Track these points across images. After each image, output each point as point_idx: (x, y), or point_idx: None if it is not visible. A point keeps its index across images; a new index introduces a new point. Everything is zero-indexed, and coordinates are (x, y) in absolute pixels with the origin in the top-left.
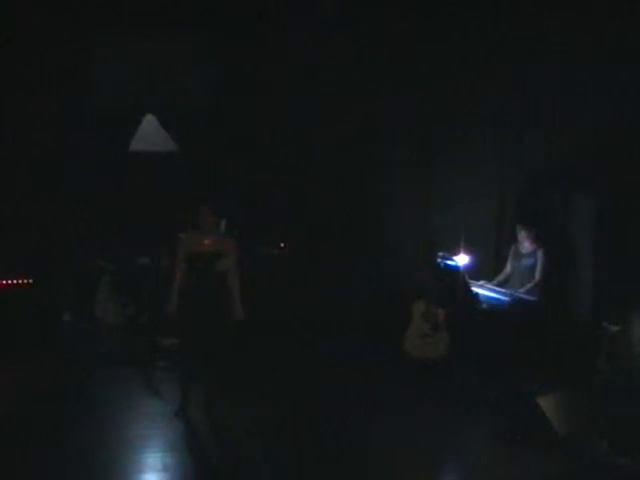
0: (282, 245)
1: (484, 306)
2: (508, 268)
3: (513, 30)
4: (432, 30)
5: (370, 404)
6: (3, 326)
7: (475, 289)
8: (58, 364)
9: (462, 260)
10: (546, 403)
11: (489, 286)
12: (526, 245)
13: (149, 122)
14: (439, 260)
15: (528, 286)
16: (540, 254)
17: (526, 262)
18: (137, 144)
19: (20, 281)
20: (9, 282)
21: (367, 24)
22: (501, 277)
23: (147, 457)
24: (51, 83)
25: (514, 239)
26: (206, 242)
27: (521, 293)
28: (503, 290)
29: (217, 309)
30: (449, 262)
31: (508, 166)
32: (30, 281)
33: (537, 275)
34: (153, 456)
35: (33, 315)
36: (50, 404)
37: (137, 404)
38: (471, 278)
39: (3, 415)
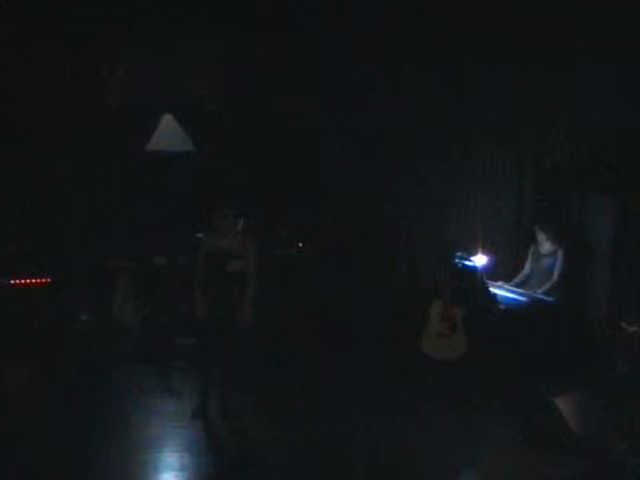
0: (300, 245)
1: (502, 307)
2: (527, 269)
3: (528, 30)
4: (448, 30)
5: (387, 404)
6: (21, 325)
7: (493, 289)
8: (75, 363)
9: (480, 260)
10: (564, 403)
11: (507, 287)
12: (546, 246)
13: (167, 122)
14: (457, 260)
15: (547, 286)
16: (560, 255)
17: (546, 263)
18: (155, 144)
19: (38, 280)
20: (27, 281)
21: (388, 28)
22: (520, 278)
23: (165, 457)
24: (69, 82)
25: (533, 240)
26: (222, 243)
27: (539, 294)
28: (521, 290)
29: (229, 310)
30: (467, 262)
31: (526, 166)
32: (48, 280)
33: (555, 275)
34: (171, 456)
35: (50, 314)
36: (67, 403)
37: (154, 404)
38: (489, 279)
39: (20, 414)
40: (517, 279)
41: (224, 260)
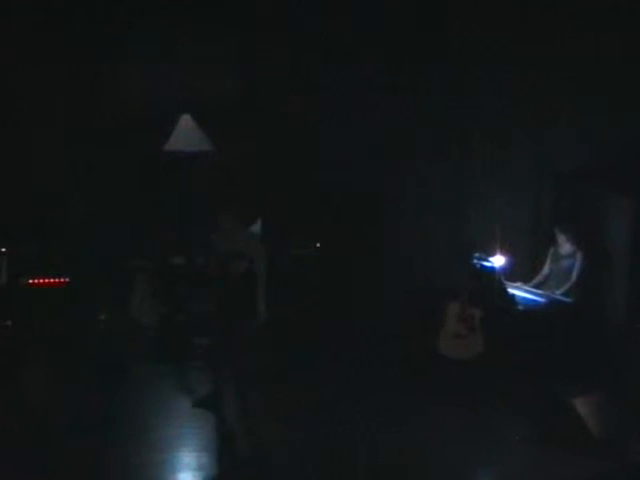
0: (317, 245)
1: (520, 307)
2: (546, 269)
3: (547, 30)
4: (465, 30)
5: (403, 404)
6: (39, 325)
7: (511, 290)
8: (93, 363)
9: (498, 261)
10: (581, 404)
11: (525, 287)
12: (566, 247)
13: (186, 122)
14: (475, 261)
15: (565, 287)
16: (579, 256)
17: (565, 264)
18: (174, 144)
19: (56, 280)
20: (45, 281)
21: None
22: (539, 278)
23: (181, 456)
24: (88, 83)
25: (552, 241)
26: (228, 244)
27: (558, 294)
28: (539, 291)
29: (235, 310)
30: (485, 263)
31: (545, 166)
32: (66, 280)
33: (574, 276)
34: (188, 455)
35: (69, 314)
36: (85, 403)
37: (172, 403)
38: (507, 279)
39: (38, 413)
40: (536, 280)
41: (222, 260)
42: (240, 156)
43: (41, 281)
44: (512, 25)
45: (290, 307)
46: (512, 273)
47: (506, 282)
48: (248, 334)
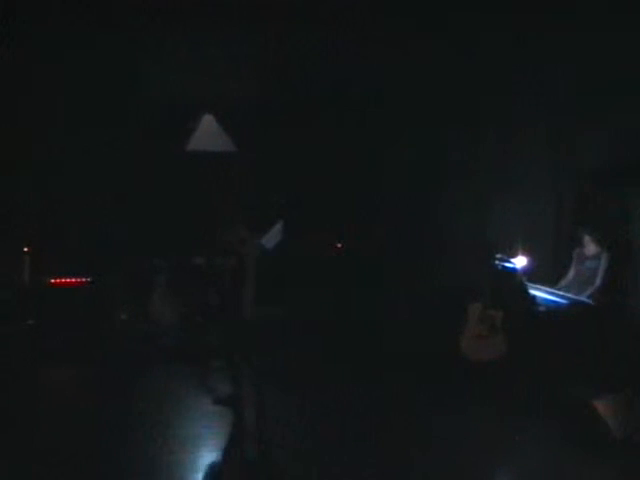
0: (339, 246)
1: (541, 308)
2: (572, 272)
3: (571, 30)
4: (493, 29)
5: (426, 404)
6: (60, 325)
7: (532, 291)
8: (114, 362)
9: (520, 262)
10: (603, 406)
11: (547, 288)
12: (591, 248)
13: (208, 122)
14: (496, 262)
15: (590, 290)
16: (604, 257)
17: (589, 265)
18: (196, 144)
19: (78, 280)
20: (67, 281)
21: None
22: (565, 282)
23: (201, 456)
24: (110, 83)
25: (575, 242)
26: (226, 243)
27: (583, 298)
28: (561, 292)
29: (222, 308)
30: (506, 264)
31: (568, 167)
32: (88, 280)
33: (598, 280)
34: (209, 455)
35: (90, 314)
36: (105, 402)
37: (192, 403)
38: (529, 280)
39: (59, 412)
40: (563, 282)
41: (212, 259)
42: (265, 155)
43: (63, 281)
44: (534, 23)
45: (311, 306)
46: (534, 274)
47: (527, 283)
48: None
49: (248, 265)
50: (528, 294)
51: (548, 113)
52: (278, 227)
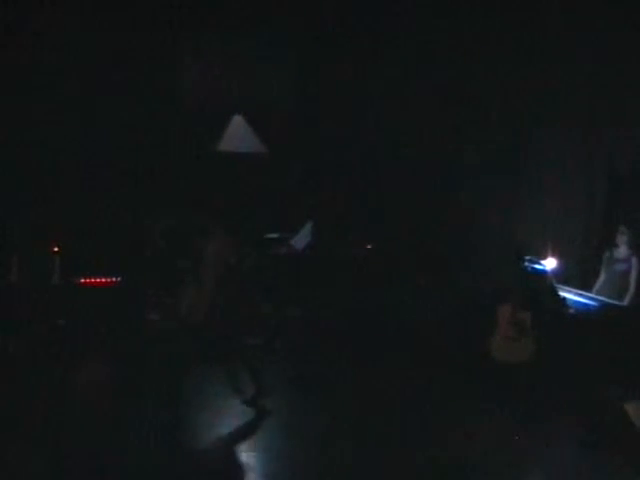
0: (369, 247)
1: (571, 310)
2: (602, 276)
3: (602, 30)
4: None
5: (454, 406)
6: (90, 324)
7: (563, 293)
8: (143, 362)
9: (550, 264)
10: (633, 408)
11: (577, 290)
12: (622, 251)
13: (237, 123)
14: (527, 264)
15: (626, 298)
16: (635, 261)
17: (619, 268)
18: (226, 144)
19: (107, 280)
20: (97, 280)
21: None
22: (597, 285)
23: (233, 457)
24: (140, 84)
25: (607, 244)
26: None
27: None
28: (591, 294)
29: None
30: (536, 266)
31: (599, 168)
32: (117, 280)
33: (632, 286)
34: (239, 456)
35: (119, 313)
36: (135, 402)
37: (221, 403)
38: (559, 282)
39: (89, 412)
40: (596, 286)
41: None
42: (294, 156)
43: (93, 281)
44: (569, 23)
45: (342, 307)
46: (564, 276)
47: (558, 285)
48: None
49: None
50: (558, 296)
51: (581, 113)
52: (308, 228)
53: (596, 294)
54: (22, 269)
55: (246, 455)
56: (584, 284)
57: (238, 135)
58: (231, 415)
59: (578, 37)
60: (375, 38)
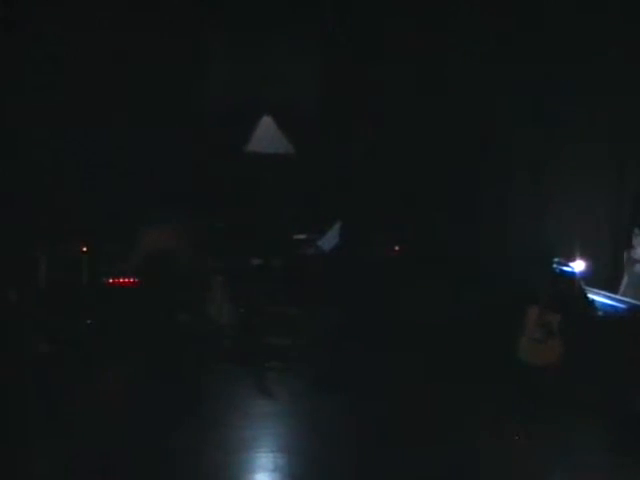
0: (397, 248)
1: (600, 313)
2: (625, 277)
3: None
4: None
5: (480, 409)
6: (119, 324)
7: (591, 295)
8: (170, 362)
9: (578, 266)
10: None
11: (605, 293)
12: (639, 251)
13: (266, 124)
14: (555, 265)
15: None
16: None
17: (638, 268)
18: (254, 145)
19: (135, 280)
20: (126, 280)
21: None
22: (622, 287)
23: (258, 457)
24: (168, 84)
25: (626, 245)
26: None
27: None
28: (619, 297)
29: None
30: (565, 268)
31: (627, 169)
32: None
33: None
34: (264, 456)
35: (147, 314)
36: (162, 403)
37: (249, 404)
38: (587, 284)
39: (115, 412)
40: (621, 288)
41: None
42: (323, 157)
43: (122, 281)
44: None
45: (370, 307)
46: (592, 278)
47: (586, 287)
48: None
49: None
50: (586, 298)
51: (610, 115)
52: (335, 229)
53: (622, 296)
54: (51, 269)
55: (273, 456)
56: (612, 286)
57: (267, 136)
58: (258, 415)
59: (602, 46)
60: (402, 38)
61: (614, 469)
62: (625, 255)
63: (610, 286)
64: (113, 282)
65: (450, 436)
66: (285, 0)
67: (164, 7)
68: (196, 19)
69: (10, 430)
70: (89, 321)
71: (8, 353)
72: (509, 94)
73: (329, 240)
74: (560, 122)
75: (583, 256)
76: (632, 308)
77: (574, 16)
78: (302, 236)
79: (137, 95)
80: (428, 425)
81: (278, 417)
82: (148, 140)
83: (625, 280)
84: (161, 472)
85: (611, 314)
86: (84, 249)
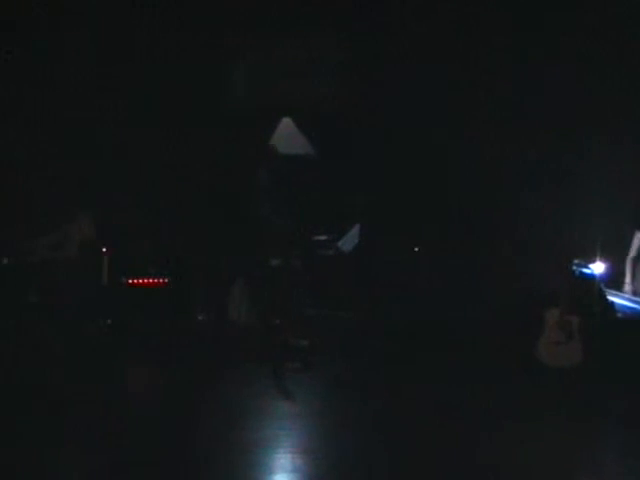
0: (416, 250)
1: (620, 315)
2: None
3: None
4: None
5: (500, 412)
6: (138, 325)
7: (611, 297)
8: (190, 363)
9: (598, 268)
10: None
11: (625, 295)
12: None
13: (286, 125)
14: (575, 268)
15: None
16: None
17: None
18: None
19: (156, 280)
20: (146, 281)
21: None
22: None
23: (278, 458)
24: (188, 85)
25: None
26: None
27: None
28: (638, 299)
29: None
30: (584, 270)
31: None
32: (165, 280)
33: None
34: (284, 457)
35: (167, 314)
36: (182, 403)
37: (268, 404)
38: (607, 286)
39: (135, 412)
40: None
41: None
42: (343, 159)
43: (141, 281)
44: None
45: (385, 309)
46: (612, 280)
47: (606, 289)
48: None
49: None
50: (606, 300)
51: (631, 118)
52: (355, 230)
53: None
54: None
55: (291, 456)
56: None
57: (287, 137)
58: (276, 415)
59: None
60: (425, 38)
61: (634, 472)
62: (631, 256)
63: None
64: (134, 282)
65: (473, 437)
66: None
67: (186, 7)
68: (217, 19)
69: (27, 428)
70: (109, 321)
71: (29, 353)
72: (533, 96)
73: (349, 241)
74: (581, 125)
75: (602, 258)
76: None
77: None
78: (322, 237)
79: (156, 96)
80: (450, 427)
81: (297, 417)
82: (167, 140)
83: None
84: (179, 472)
85: (631, 315)
86: (104, 249)
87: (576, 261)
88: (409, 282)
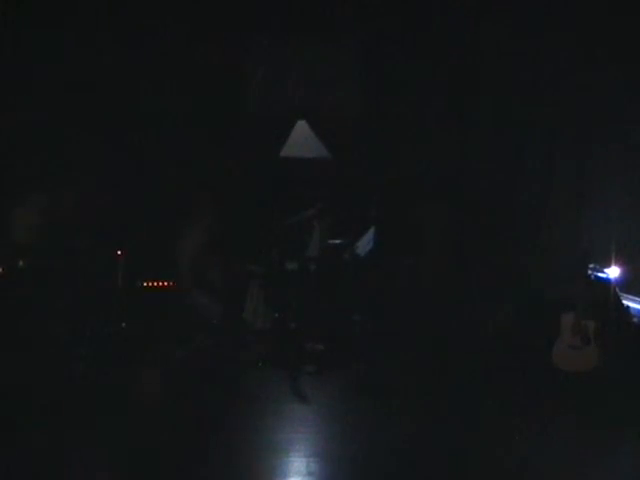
0: (430, 253)
1: (635, 319)
2: None
3: None
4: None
5: (515, 417)
6: (149, 327)
7: (626, 302)
8: (205, 366)
9: (613, 272)
10: None
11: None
12: None
13: (301, 128)
14: (590, 272)
15: None
16: None
17: None
18: (289, 150)
19: (167, 283)
20: (160, 284)
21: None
22: None
23: (292, 462)
24: (204, 88)
25: None
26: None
27: None
28: None
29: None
30: (600, 274)
31: None
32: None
33: None
34: (298, 461)
35: (180, 317)
36: (194, 406)
37: (283, 408)
38: (623, 291)
39: (152, 415)
40: None
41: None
42: (355, 163)
43: (156, 284)
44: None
45: (397, 315)
46: (628, 285)
47: (621, 294)
48: None
49: None
50: (622, 305)
51: None
52: (370, 235)
53: None
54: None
55: (307, 460)
56: None
57: (302, 140)
58: (294, 419)
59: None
60: (438, 39)
61: None
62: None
63: None
64: (149, 285)
65: (489, 442)
66: (323, 3)
67: (202, 9)
68: (233, 21)
69: (46, 428)
70: (124, 324)
71: (45, 356)
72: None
73: (364, 245)
74: (598, 127)
75: (618, 263)
76: None
77: None
78: (337, 241)
79: (171, 100)
80: (466, 432)
81: (312, 421)
82: (182, 143)
83: None
84: (193, 475)
85: None
86: (118, 252)
87: (592, 265)
88: (424, 286)
